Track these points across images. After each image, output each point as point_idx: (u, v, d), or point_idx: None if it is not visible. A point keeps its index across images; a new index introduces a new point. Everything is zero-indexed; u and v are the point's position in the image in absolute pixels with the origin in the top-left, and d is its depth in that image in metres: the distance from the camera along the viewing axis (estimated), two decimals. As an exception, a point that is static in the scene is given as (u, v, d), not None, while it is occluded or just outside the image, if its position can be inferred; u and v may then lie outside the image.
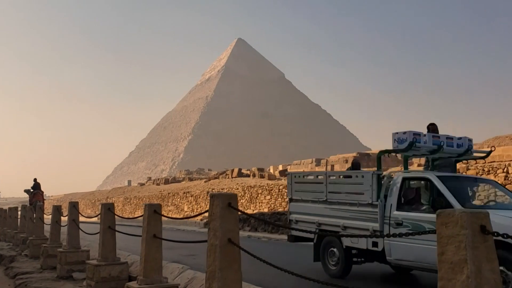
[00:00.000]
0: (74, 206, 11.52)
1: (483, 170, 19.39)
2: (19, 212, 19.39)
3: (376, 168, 9.23)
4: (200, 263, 10.42)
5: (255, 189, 31.92)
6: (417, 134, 8.64)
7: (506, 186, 16.04)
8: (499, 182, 15.64)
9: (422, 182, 8.56)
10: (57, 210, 13.01)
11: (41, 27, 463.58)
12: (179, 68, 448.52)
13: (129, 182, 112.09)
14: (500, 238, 2.95)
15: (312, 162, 57.34)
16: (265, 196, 30.66)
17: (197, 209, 39.14)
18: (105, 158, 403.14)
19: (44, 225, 15.32)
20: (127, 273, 9.38)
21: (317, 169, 53.62)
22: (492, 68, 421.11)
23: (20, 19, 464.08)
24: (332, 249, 9.16)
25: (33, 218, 16.15)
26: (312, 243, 9.81)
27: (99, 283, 8.68)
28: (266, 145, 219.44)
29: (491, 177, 18.42)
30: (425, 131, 9.35)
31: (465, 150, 9.22)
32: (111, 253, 9.17)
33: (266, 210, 29.81)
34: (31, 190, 25.46)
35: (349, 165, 50.16)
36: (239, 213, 5.25)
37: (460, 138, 9.31)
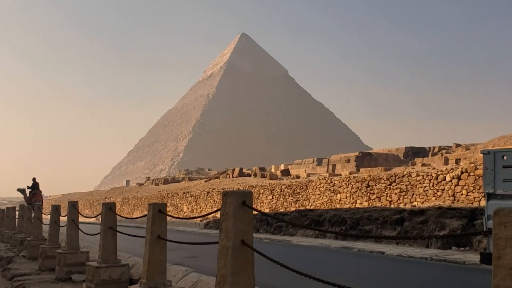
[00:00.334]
0: (73, 206, 11.15)
1: None
2: (17, 212, 19.01)
3: None
4: (202, 265, 10.07)
5: (257, 189, 31.58)
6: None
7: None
8: None
9: None
10: (56, 210, 12.63)
11: (39, 24, 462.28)
12: (180, 64, 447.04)
13: (128, 182, 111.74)
14: None
15: (313, 161, 57.01)
16: (266, 196, 30.31)
17: (196, 210, 38.76)
18: (103, 158, 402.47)
19: (43, 225, 14.96)
20: (128, 276, 9.05)
21: (318, 169, 53.31)
22: (498, 66, 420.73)
23: (18, 18, 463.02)
24: None
25: (31, 218, 15.78)
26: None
27: (99, 286, 8.35)
28: (267, 144, 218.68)
29: None
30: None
31: None
32: (112, 255, 8.83)
33: (267, 210, 29.47)
34: (29, 190, 25.09)
35: (351, 164, 50.10)
36: (255, 212, 4.91)
37: None
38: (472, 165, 18.80)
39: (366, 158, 50.68)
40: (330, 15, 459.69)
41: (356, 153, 52.74)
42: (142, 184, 79.26)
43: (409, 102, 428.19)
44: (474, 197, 17.60)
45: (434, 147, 52.98)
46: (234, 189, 34.48)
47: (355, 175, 27.05)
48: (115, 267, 8.71)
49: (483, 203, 17.06)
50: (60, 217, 12.92)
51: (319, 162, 56.30)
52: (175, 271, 8.21)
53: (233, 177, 49.42)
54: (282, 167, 55.02)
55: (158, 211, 6.99)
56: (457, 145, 48.29)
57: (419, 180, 20.86)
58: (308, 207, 25.69)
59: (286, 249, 14.04)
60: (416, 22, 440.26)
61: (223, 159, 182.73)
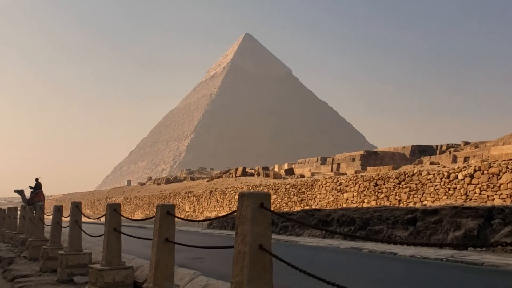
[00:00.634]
0: (76, 206, 10.79)
1: None
2: (19, 212, 18.69)
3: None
4: (209, 267, 9.70)
5: (260, 188, 31.18)
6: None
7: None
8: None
9: None
10: (58, 211, 12.30)
11: (41, 24, 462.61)
12: (183, 65, 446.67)
13: (129, 182, 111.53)
14: None
15: (317, 160, 56.56)
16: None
17: (199, 209, 38.40)
18: (104, 157, 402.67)
19: (44, 225, 14.62)
20: (133, 279, 8.70)
21: (322, 168, 52.88)
22: (504, 62, 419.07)
23: (19, 17, 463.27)
24: None
25: (32, 218, 15.44)
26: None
27: (102, 289, 7.98)
28: (270, 144, 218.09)
29: None
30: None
31: None
32: (116, 257, 8.49)
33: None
34: (32, 190, 24.78)
35: (356, 163, 49.65)
36: (272, 214, 4.52)
37: None
38: (486, 163, 18.37)
39: (371, 157, 50.21)
40: (333, 14, 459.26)
41: (361, 152, 52.26)
42: (144, 183, 78.94)
43: (415, 100, 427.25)
44: (488, 196, 17.17)
45: (441, 145, 52.43)
46: (238, 188, 34.07)
47: (363, 174, 26.63)
48: (119, 269, 8.37)
49: (497, 201, 16.67)
50: (62, 218, 12.58)
51: (323, 161, 55.84)
52: (182, 274, 7.82)
53: (236, 176, 49.03)
54: (286, 166, 54.58)
55: (166, 212, 6.61)
56: (466, 143, 47.76)
57: (429, 179, 20.44)
58: (313, 207, 25.30)
59: (293, 250, 13.64)
60: (420, 19, 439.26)
61: (226, 159, 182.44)
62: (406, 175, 21.73)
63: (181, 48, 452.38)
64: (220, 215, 33.59)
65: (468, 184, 18.37)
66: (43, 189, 25.31)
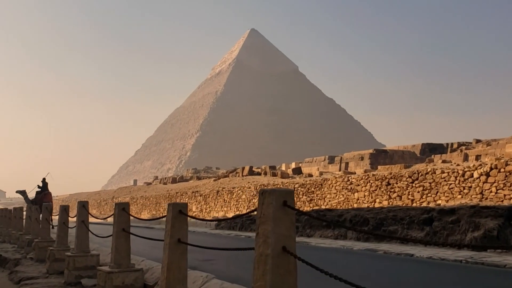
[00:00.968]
0: (83, 206, 10.49)
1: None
2: (24, 213, 18.44)
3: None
4: (221, 270, 9.34)
5: (269, 187, 30.80)
6: None
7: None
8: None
9: None
10: (64, 211, 12.00)
11: (48, 20, 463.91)
12: (188, 61, 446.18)
13: (135, 181, 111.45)
14: None
15: (325, 159, 56.05)
16: (278, 195, 29.52)
17: (206, 209, 38.08)
18: (110, 157, 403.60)
19: (51, 226, 14.35)
20: (142, 281, 8.39)
21: (330, 167, 52.42)
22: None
23: (28, 12, 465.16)
24: None
25: (38, 219, 15.17)
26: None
27: (111, 292, 7.66)
28: (276, 142, 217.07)
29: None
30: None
31: None
32: (125, 259, 8.19)
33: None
34: (39, 190, 24.57)
35: (365, 162, 49.09)
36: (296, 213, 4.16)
37: None
38: (502, 161, 17.91)
39: (381, 155, 49.65)
40: (341, 9, 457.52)
41: (371, 150, 51.70)
42: (150, 183, 78.78)
43: (423, 98, 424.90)
44: (505, 195, 16.73)
45: (452, 143, 51.75)
46: (245, 187, 33.70)
47: (374, 172, 26.20)
48: (128, 272, 8.07)
49: (516, 201, 16.22)
50: (69, 218, 12.30)
51: (331, 160, 55.33)
52: (194, 277, 7.48)
53: (242, 176, 48.67)
54: (293, 165, 54.15)
55: (179, 212, 6.27)
56: (477, 141, 47.09)
57: (443, 178, 20.00)
58: (323, 207, 24.91)
59: (306, 251, 13.25)
60: (428, 15, 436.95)
61: (231, 158, 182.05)
62: (420, 174, 21.30)
63: (185, 44, 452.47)
64: (227, 215, 33.25)
65: (484, 182, 17.93)
66: (49, 189, 25.10)
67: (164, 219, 6.45)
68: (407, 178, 21.79)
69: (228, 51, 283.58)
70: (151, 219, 7.41)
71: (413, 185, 21.39)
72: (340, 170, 49.69)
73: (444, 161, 37.65)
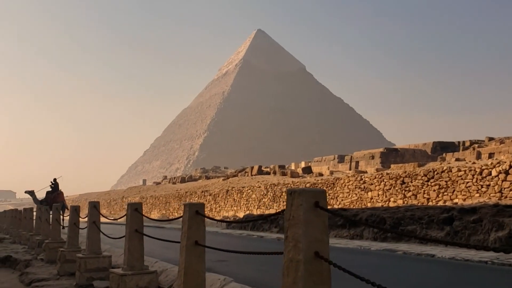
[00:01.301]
0: (94, 207, 10.20)
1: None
2: (34, 213, 18.25)
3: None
4: (235, 272, 9.01)
5: (279, 187, 30.44)
6: None
7: None
8: None
9: None
10: (75, 211, 11.72)
11: (62, 23, 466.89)
12: (195, 63, 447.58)
13: (144, 181, 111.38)
14: None
15: (334, 158, 55.53)
16: (290, 195, 29.13)
17: (216, 209, 37.80)
18: (119, 157, 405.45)
19: (62, 227, 14.12)
20: (157, 284, 8.08)
21: (340, 166, 51.94)
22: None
23: (40, 14, 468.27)
24: None
25: (49, 219, 14.94)
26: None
27: (124, 295, 7.36)
28: (283, 142, 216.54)
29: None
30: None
31: None
32: (139, 261, 7.88)
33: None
34: (51, 190, 24.45)
35: (375, 161, 48.54)
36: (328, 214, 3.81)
37: None
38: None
39: (391, 154, 49.10)
40: (348, 9, 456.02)
41: (381, 149, 51.15)
42: (159, 183, 78.72)
43: (430, 97, 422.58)
44: (526, 194, 16.29)
45: (464, 142, 51.07)
46: (255, 187, 33.35)
47: (388, 171, 25.76)
48: (142, 274, 7.76)
49: (539, 200, 15.75)
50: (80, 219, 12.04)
51: (341, 159, 54.80)
52: (211, 280, 7.15)
53: (252, 175, 48.37)
54: (303, 164, 53.73)
55: (195, 212, 5.93)
56: (490, 139, 46.43)
57: (460, 176, 19.54)
58: (336, 206, 24.54)
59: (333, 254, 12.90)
60: (438, 15, 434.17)
61: (239, 158, 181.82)
62: (435, 172, 20.85)
63: (192, 46, 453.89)
64: (237, 214, 32.93)
65: (503, 181, 17.46)
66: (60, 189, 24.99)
67: (179, 219, 6.13)
68: (422, 176, 21.35)
69: (234, 52, 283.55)
70: (164, 219, 7.10)
71: (429, 183, 20.94)
72: (350, 169, 49.21)
73: (457, 159, 37.09)
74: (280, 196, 30.01)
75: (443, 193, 20.45)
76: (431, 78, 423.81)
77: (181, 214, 6.06)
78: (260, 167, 49.52)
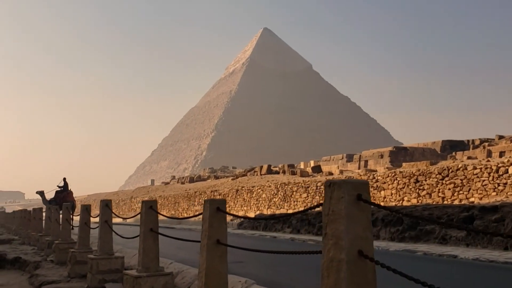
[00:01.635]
0: (106, 206, 9.88)
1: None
2: (44, 213, 18.00)
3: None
4: (253, 273, 8.65)
5: (290, 186, 30.07)
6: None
7: None
8: None
9: None
10: (86, 210, 11.42)
11: (72, 24, 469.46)
12: (201, 62, 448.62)
13: (152, 181, 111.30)
14: None
15: (343, 158, 55.08)
16: (300, 194, 28.77)
17: (226, 209, 37.46)
18: (126, 158, 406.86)
19: (72, 227, 13.84)
20: (173, 286, 7.74)
21: (349, 165, 51.50)
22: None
23: (51, 14, 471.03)
24: None
25: (58, 219, 14.66)
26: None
27: (139, 298, 7.03)
28: (291, 141, 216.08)
29: None
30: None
31: None
32: (154, 262, 7.55)
33: (302, 209, 27.97)
34: (60, 189, 24.28)
35: (384, 160, 48.04)
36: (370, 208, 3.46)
37: None
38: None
39: (401, 153, 48.61)
40: (354, 8, 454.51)
41: (390, 148, 50.66)
42: (168, 183, 78.54)
43: (439, 95, 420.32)
44: (548, 192, 15.82)
45: (473, 140, 50.47)
46: (265, 186, 32.97)
47: (401, 170, 25.31)
48: (157, 276, 7.42)
49: None
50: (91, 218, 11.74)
51: (349, 158, 54.35)
52: (231, 282, 6.80)
53: (261, 174, 48.01)
54: (312, 163, 53.36)
55: (216, 209, 5.60)
56: (500, 137, 45.81)
57: (476, 174, 19.09)
58: (321, 202, 24.12)
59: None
60: (445, 11, 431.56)
61: (247, 157, 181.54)
62: (450, 170, 20.40)
63: (199, 45, 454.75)
64: (248, 214, 32.59)
65: (521, 178, 17.01)
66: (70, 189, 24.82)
67: (194, 217, 5.80)
68: (436, 175, 20.91)
69: (241, 51, 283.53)
70: (183, 218, 6.76)
71: (444, 182, 20.50)
72: (359, 168, 48.76)
73: (469, 158, 36.57)
74: (291, 196, 29.64)
75: (458, 191, 20.01)
76: (437, 77, 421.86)
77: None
78: (269, 166, 49.16)
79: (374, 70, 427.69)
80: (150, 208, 7.65)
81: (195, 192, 43.58)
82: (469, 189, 19.54)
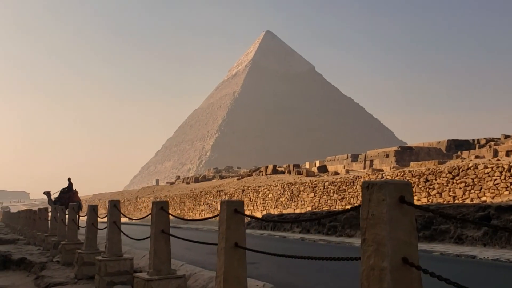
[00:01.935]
0: (115, 205, 9.62)
1: None
2: (49, 214, 17.76)
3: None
4: (268, 275, 8.36)
5: (296, 186, 29.75)
6: None
7: None
8: None
9: None
10: (93, 210, 11.16)
11: (77, 27, 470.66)
12: (205, 63, 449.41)
13: (157, 181, 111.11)
14: None
15: (347, 157, 54.70)
16: (308, 194, 28.45)
17: (244, 210, 37.18)
18: (130, 158, 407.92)
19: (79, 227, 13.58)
20: (185, 289, 7.43)
21: (354, 165, 51.12)
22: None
23: (55, 17, 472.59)
24: None
25: (64, 219, 14.40)
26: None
27: (150, 302, 6.75)
28: (294, 142, 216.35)
29: None
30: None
31: None
32: (165, 264, 7.26)
33: (309, 208, 27.66)
34: (66, 189, 24.08)
35: (390, 159, 47.64)
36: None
37: None
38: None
39: (406, 153, 48.24)
40: (356, 9, 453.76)
41: (395, 148, 50.28)
42: (173, 183, 78.33)
43: (441, 95, 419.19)
44: None
45: (479, 139, 50.05)
46: (271, 186, 32.65)
47: (410, 169, 24.96)
48: (170, 279, 7.13)
49: None
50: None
51: (354, 158, 53.97)
52: (249, 286, 6.47)
53: (266, 174, 47.69)
54: (317, 163, 53.02)
55: (234, 210, 5.30)
56: (506, 136, 45.39)
57: (487, 173, 18.75)
58: (356, 205, 23.80)
59: (350, 254, 12.19)
60: (447, 11, 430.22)
61: (251, 157, 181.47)
62: (461, 170, 20.05)
63: (203, 47, 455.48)
64: (254, 214, 32.29)
65: (536, 178, 16.65)
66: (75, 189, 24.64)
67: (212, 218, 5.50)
68: (447, 174, 20.56)
69: (244, 53, 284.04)
70: (198, 219, 6.47)
71: (454, 181, 20.16)
72: (364, 168, 48.40)
73: (477, 157, 36.18)
74: (298, 195, 29.33)
75: (469, 190, 19.68)
76: (439, 77, 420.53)
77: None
78: (274, 166, 48.85)
79: (376, 71, 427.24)
80: (161, 209, 7.36)
81: (201, 192, 43.32)
82: (481, 188, 19.21)
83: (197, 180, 65.70)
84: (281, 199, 30.65)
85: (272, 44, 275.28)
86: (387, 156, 49.05)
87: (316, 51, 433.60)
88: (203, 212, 39.81)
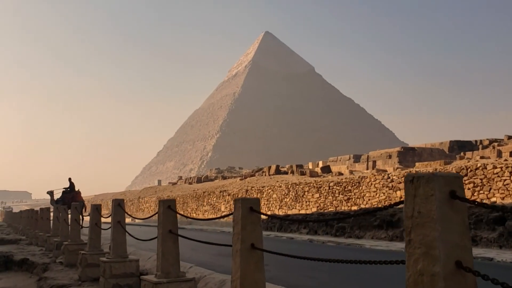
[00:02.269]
0: (119, 205, 9.27)
1: None
2: (52, 214, 17.43)
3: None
4: (280, 278, 8.01)
5: (301, 186, 29.39)
6: None
7: None
8: None
9: None
10: (96, 210, 10.82)
11: (75, 24, 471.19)
12: (205, 64, 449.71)
13: (159, 181, 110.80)
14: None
15: (350, 158, 54.35)
16: (312, 195, 28.08)
17: (260, 209, 36.82)
18: (132, 159, 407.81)
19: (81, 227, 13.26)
20: (195, 293, 7.09)
21: (357, 165, 50.76)
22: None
23: (57, 17, 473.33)
24: None
25: (67, 219, 14.07)
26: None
27: (159, 306, 6.42)
28: (295, 142, 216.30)
29: None
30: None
31: None
32: (174, 266, 6.92)
33: (314, 209, 27.29)
34: (68, 189, 23.79)
35: (393, 160, 47.24)
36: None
37: None
38: None
39: (409, 153, 47.90)
40: (356, 10, 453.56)
41: (398, 148, 49.96)
42: (175, 183, 77.99)
43: (441, 96, 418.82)
44: None
45: (482, 140, 49.71)
46: (275, 186, 32.28)
47: (416, 169, 24.60)
48: (179, 282, 6.80)
49: None
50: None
51: (357, 159, 53.62)
52: (262, 290, 6.11)
53: (269, 175, 47.33)
54: (320, 164, 52.68)
55: (249, 209, 4.94)
56: (509, 137, 45.05)
57: (497, 173, 18.38)
58: (362, 206, 23.47)
59: (362, 256, 11.85)
60: (449, 13, 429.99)
61: (252, 158, 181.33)
62: (469, 170, 19.68)
63: (202, 47, 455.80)
64: (264, 217, 31.92)
65: (547, 178, 16.28)
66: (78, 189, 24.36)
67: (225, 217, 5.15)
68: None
69: (243, 54, 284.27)
70: (205, 219, 6.11)
71: (462, 181, 19.77)
72: (367, 168, 48.06)
73: (482, 157, 35.83)
74: (303, 196, 28.97)
75: (478, 191, 19.30)
76: (439, 78, 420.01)
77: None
78: (277, 166, 48.49)
79: (376, 72, 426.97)
80: (168, 208, 7.03)
81: (204, 192, 42.97)
82: (490, 189, 18.84)
83: (199, 180, 65.37)
84: (285, 199, 30.29)
85: (271, 45, 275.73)
86: (390, 156, 48.69)
87: (316, 51, 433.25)
88: (207, 212, 39.44)
